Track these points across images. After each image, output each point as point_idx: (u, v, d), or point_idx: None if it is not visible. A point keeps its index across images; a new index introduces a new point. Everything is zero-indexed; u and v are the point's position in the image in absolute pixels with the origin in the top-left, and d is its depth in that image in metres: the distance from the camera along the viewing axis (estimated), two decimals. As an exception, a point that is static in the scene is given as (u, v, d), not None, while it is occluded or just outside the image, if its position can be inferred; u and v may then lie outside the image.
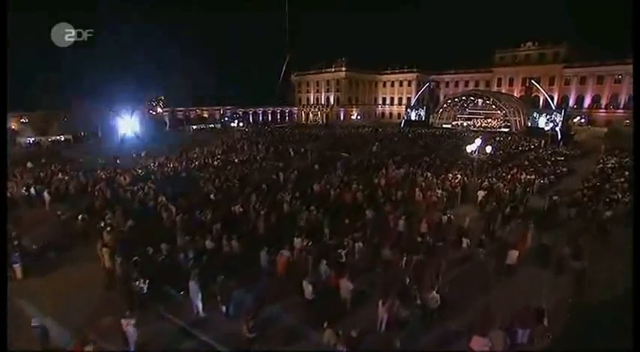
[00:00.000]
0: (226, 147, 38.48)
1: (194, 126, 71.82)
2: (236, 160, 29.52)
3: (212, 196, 17.62)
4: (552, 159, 29.19)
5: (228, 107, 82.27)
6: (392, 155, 29.37)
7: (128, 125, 54.25)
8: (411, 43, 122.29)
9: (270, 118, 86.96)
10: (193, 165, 27.30)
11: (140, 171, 25.29)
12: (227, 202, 16.08)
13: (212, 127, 72.13)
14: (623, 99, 59.42)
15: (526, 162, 27.40)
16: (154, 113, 65.75)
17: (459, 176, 20.23)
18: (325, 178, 20.22)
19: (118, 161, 28.53)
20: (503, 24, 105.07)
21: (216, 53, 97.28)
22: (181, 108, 76.06)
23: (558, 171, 24.41)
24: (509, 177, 21.97)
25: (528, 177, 21.90)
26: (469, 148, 20.07)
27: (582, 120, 53.25)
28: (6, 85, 6.00)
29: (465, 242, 11.93)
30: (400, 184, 19.46)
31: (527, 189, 18.51)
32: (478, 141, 20.29)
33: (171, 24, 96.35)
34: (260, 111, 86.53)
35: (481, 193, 16.93)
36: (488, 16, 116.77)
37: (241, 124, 72.20)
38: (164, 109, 70.85)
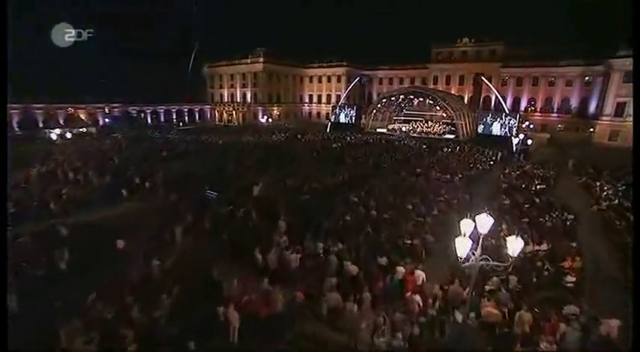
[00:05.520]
0: (39, 174, 22.78)
1: (57, 131, 52.46)
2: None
3: None
4: (532, 188, 19.88)
5: (116, 105, 63.70)
6: (297, 191, 17.26)
7: None
8: (342, 34, 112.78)
9: (175, 118, 70.04)
10: None
11: None
12: None
13: (83, 132, 53.36)
14: (556, 102, 56.62)
15: (504, 198, 17.45)
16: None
17: (420, 275, 8.77)
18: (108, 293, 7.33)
19: None
20: (443, 17, 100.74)
21: (102, 35, 76.29)
22: (40, 105, 55.91)
23: (564, 217, 14.67)
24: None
25: (538, 249, 11.56)
26: (460, 250, 5.90)
27: (531, 126, 47.59)
28: (6, 84, 5.53)
29: None
30: (281, 320, 7.36)
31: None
32: (486, 223, 6.17)
33: None
34: (161, 110, 69.14)
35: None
36: (426, 7, 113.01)
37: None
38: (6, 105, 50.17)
